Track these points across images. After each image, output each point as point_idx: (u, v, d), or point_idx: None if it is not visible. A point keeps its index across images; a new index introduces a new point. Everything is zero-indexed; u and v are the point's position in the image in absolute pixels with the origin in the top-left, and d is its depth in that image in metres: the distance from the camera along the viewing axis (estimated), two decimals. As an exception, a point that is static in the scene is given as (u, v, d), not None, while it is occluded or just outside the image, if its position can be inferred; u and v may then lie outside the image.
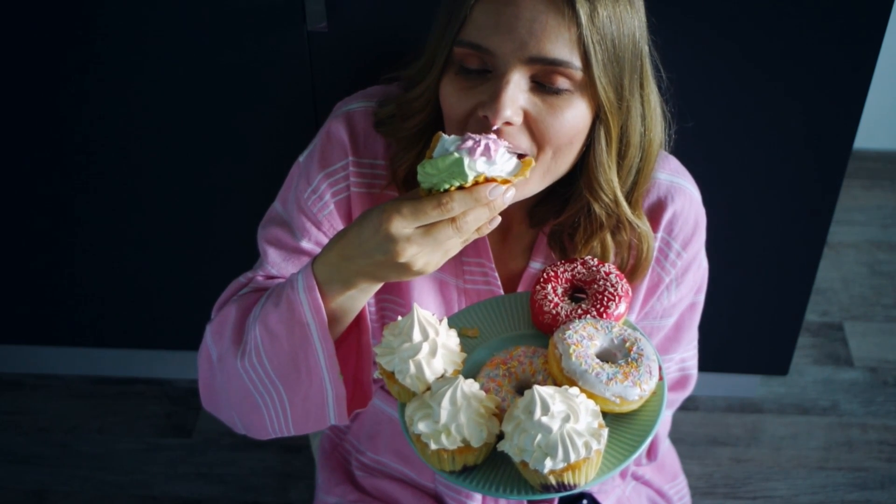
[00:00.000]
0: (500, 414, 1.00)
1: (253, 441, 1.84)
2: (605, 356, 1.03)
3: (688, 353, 1.39)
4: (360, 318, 1.13)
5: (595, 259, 1.14)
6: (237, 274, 1.26)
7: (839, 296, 2.44)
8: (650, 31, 1.10)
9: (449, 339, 1.02)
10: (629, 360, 1.01)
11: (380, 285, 1.06)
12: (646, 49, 1.09)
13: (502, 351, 1.09)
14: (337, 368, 1.08)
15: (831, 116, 1.60)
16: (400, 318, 1.03)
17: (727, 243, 1.75)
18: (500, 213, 1.00)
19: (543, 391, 0.93)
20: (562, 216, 1.16)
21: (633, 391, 0.98)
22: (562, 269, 1.13)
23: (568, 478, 0.92)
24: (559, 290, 1.12)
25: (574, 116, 1.04)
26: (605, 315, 1.08)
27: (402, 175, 1.17)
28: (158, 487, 2.01)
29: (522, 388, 1.04)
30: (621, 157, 1.12)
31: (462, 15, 1.02)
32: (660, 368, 1.02)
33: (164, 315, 1.99)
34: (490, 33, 1.01)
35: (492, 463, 1.00)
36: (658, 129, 1.14)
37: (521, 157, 1.01)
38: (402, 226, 0.95)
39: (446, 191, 0.95)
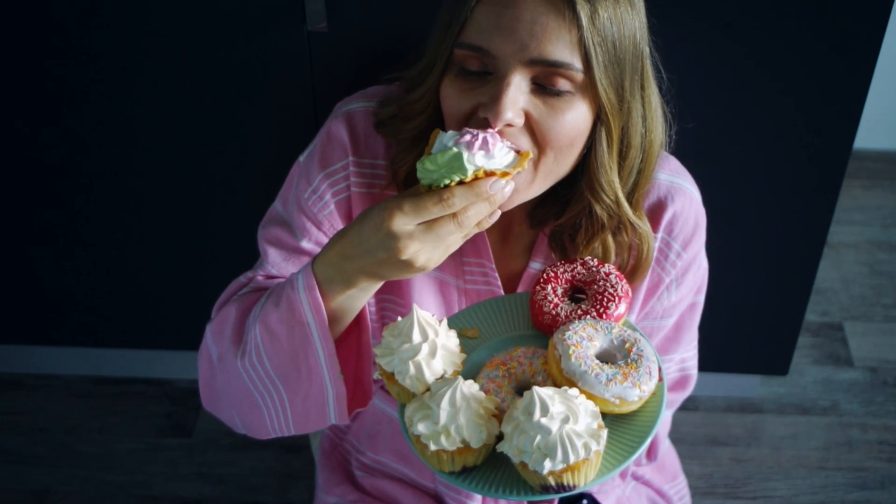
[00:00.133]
0: (499, 415, 1.00)
1: (253, 441, 1.84)
2: (605, 357, 1.03)
3: (688, 353, 1.39)
4: (360, 317, 1.13)
5: (595, 259, 1.14)
6: (237, 274, 1.26)
7: (839, 296, 2.44)
8: (651, 32, 1.10)
9: (448, 340, 1.02)
10: (629, 360, 1.01)
11: (380, 284, 1.06)
12: (646, 50, 1.09)
13: (502, 352, 1.09)
14: (337, 368, 1.08)
15: (831, 116, 1.60)
16: (399, 318, 1.03)
17: (727, 243, 1.75)
18: (501, 214, 1.00)
19: (543, 392, 0.93)
20: (563, 217, 1.16)
21: (632, 392, 0.98)
22: (562, 270, 1.13)
23: (567, 479, 0.92)
24: (559, 291, 1.12)
25: (575, 118, 1.04)
26: (604, 316, 1.07)
27: (403, 176, 1.17)
28: (158, 487, 2.01)
29: (522, 388, 1.04)
30: (622, 158, 1.12)
31: (463, 17, 1.02)
32: (659, 369, 1.02)
33: (164, 315, 1.99)
34: (491, 35, 1.00)
35: (491, 464, 1.00)
36: (659, 129, 1.14)
37: (518, 152, 1.01)
38: (403, 222, 0.95)
39: (447, 186, 0.95)
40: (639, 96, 1.09)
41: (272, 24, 1.54)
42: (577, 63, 1.01)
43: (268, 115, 1.66)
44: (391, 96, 1.21)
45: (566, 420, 0.92)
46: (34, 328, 2.06)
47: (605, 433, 0.94)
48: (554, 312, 1.09)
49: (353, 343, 1.15)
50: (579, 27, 0.99)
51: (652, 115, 1.12)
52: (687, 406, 2.15)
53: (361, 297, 1.08)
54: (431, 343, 1.00)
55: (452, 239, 0.98)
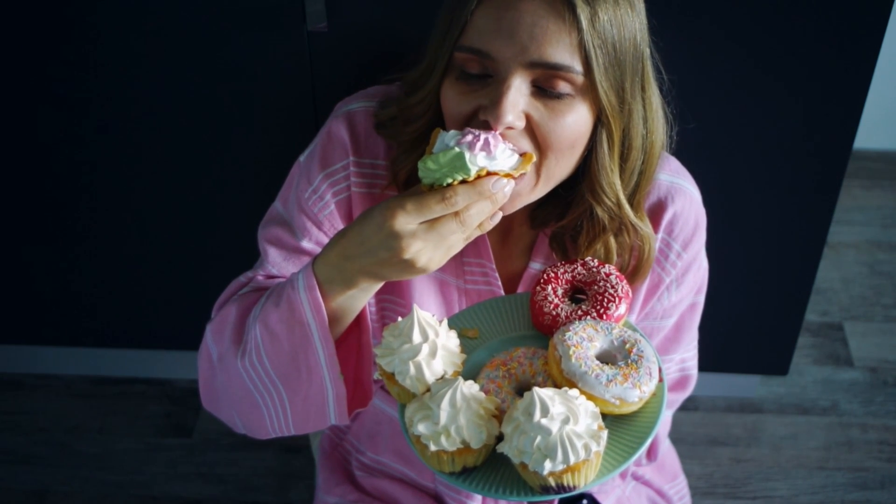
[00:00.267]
0: (499, 415, 1.00)
1: (253, 441, 1.84)
2: (605, 358, 1.03)
3: (688, 353, 1.39)
4: (360, 317, 1.13)
5: (595, 260, 1.14)
6: (237, 274, 1.26)
7: (839, 296, 2.44)
8: (651, 33, 1.10)
9: (449, 341, 1.02)
10: (629, 361, 1.01)
11: (381, 284, 1.06)
12: (647, 51, 1.09)
13: (502, 352, 1.09)
14: (337, 368, 1.08)
15: (831, 116, 1.60)
16: (400, 319, 1.03)
17: (727, 243, 1.75)
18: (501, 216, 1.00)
19: (543, 393, 0.93)
20: (564, 219, 1.16)
21: (632, 393, 0.98)
22: (562, 271, 1.13)
23: (567, 479, 0.92)
24: (559, 292, 1.12)
25: (575, 120, 1.03)
26: (605, 316, 1.07)
27: (403, 178, 1.17)
28: (158, 487, 2.02)
29: (522, 389, 1.04)
30: (623, 159, 1.11)
31: (462, 20, 1.02)
32: (660, 370, 1.02)
33: (164, 315, 1.99)
34: (491, 38, 1.00)
35: (491, 464, 1.00)
36: (660, 130, 1.14)
37: (521, 154, 1.01)
38: (405, 221, 0.95)
39: (449, 185, 0.95)
40: (639, 98, 1.09)
41: (272, 24, 1.54)
42: (578, 65, 1.01)
43: (268, 115, 1.66)
44: (391, 97, 1.21)
45: (566, 421, 0.92)
46: (34, 328, 2.06)
47: (605, 434, 0.94)
48: (554, 313, 1.09)
49: (353, 343, 1.15)
50: (579, 30, 0.99)
51: (653, 117, 1.12)
52: (687, 406, 2.15)
53: (362, 298, 1.08)
54: (432, 343, 1.00)
55: (454, 239, 0.98)
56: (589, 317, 1.08)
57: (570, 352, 1.00)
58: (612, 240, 1.17)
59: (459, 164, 0.95)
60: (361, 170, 1.21)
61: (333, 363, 1.08)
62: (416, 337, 1.00)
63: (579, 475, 0.92)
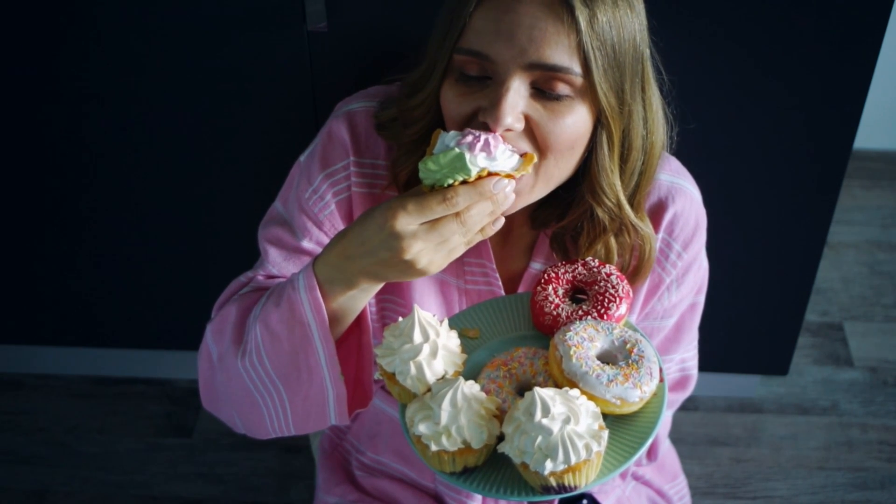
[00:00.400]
0: (500, 415, 1.00)
1: (253, 441, 1.84)
2: (606, 358, 1.03)
3: (688, 353, 1.39)
4: (360, 317, 1.13)
5: (596, 260, 1.14)
6: (237, 274, 1.26)
7: (839, 296, 2.44)
8: (651, 34, 1.10)
9: (449, 341, 1.02)
10: (630, 361, 1.01)
11: (381, 285, 1.06)
12: (647, 52, 1.09)
13: (503, 352, 1.09)
14: (338, 368, 1.08)
15: (831, 116, 1.60)
16: (401, 319, 1.03)
17: (727, 243, 1.75)
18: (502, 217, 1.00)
19: (544, 393, 0.93)
20: (564, 220, 1.16)
21: (633, 393, 0.98)
22: (562, 271, 1.13)
23: (568, 479, 0.92)
24: (560, 292, 1.12)
25: (575, 122, 1.03)
26: (605, 316, 1.07)
27: (404, 180, 1.17)
28: (158, 487, 2.01)
29: (523, 389, 1.04)
30: (623, 160, 1.11)
31: (461, 22, 1.02)
32: (660, 370, 1.02)
33: (164, 315, 1.99)
34: (490, 40, 1.00)
35: (492, 464, 1.00)
36: (660, 131, 1.14)
37: (522, 154, 1.01)
38: (406, 222, 0.95)
39: (450, 186, 0.95)
40: (639, 99, 1.09)
41: (272, 24, 1.54)
42: (577, 67, 1.01)
43: (268, 115, 1.66)
44: (392, 97, 1.21)
45: (567, 421, 0.92)
46: (34, 328, 2.06)
47: (606, 434, 0.94)
48: (555, 313, 1.09)
49: (353, 343, 1.15)
50: (578, 31, 0.99)
51: (653, 118, 1.12)
52: (687, 406, 2.15)
53: (362, 298, 1.08)
54: (432, 343, 1.00)
55: (455, 241, 0.98)
56: (590, 317, 1.08)
57: (571, 352, 1.00)
58: (612, 240, 1.17)
59: (460, 164, 0.95)
60: (362, 170, 1.21)
61: (334, 363, 1.08)
62: (417, 337, 1.00)
63: (580, 475, 0.92)
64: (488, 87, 1.03)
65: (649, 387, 1.00)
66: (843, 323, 2.37)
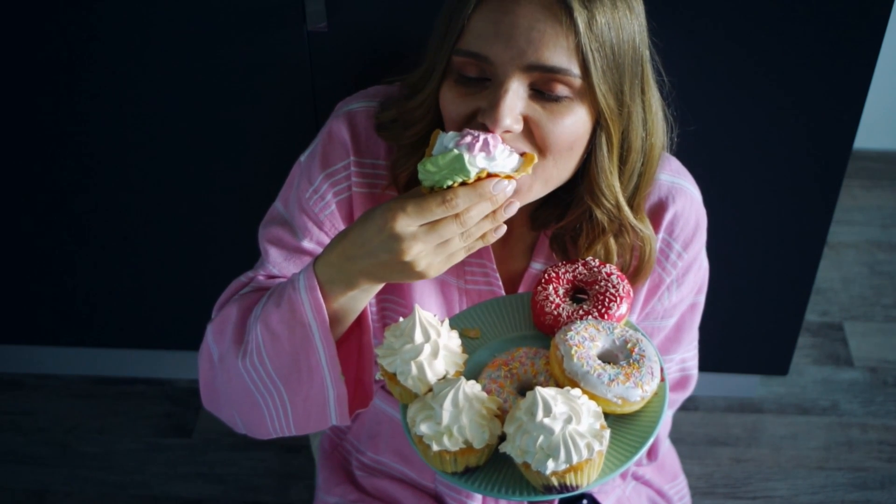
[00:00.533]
0: (501, 415, 1.00)
1: (253, 441, 1.84)
2: (607, 357, 1.03)
3: (688, 353, 1.39)
4: (361, 317, 1.13)
5: (596, 260, 1.14)
6: (237, 274, 1.26)
7: (839, 296, 2.44)
8: (651, 35, 1.10)
9: (450, 341, 1.02)
10: (631, 361, 1.01)
11: (382, 285, 1.06)
12: (646, 54, 1.09)
13: (504, 352, 1.09)
14: (338, 369, 1.08)
15: (831, 116, 1.60)
16: (401, 319, 1.03)
17: (727, 243, 1.75)
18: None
19: (545, 392, 0.93)
20: (563, 221, 1.16)
21: (634, 392, 0.98)
22: (563, 270, 1.13)
23: (570, 479, 0.92)
24: (560, 291, 1.12)
25: (574, 123, 1.03)
26: (606, 316, 1.08)
27: (404, 181, 1.17)
28: (158, 487, 2.01)
29: (524, 389, 1.04)
30: (623, 162, 1.11)
31: (460, 24, 1.02)
32: (661, 369, 1.02)
33: (164, 315, 1.99)
34: (488, 42, 1.00)
35: (494, 464, 1.00)
36: (660, 133, 1.14)
37: (522, 154, 1.01)
38: (406, 223, 0.95)
39: (449, 187, 0.95)
40: (639, 100, 1.09)
41: (272, 24, 1.54)
42: (575, 69, 1.01)
43: (268, 115, 1.66)
44: (392, 98, 1.21)
45: (569, 420, 0.92)
46: (34, 328, 2.06)
47: (607, 433, 0.94)
48: (556, 313, 1.09)
49: (354, 343, 1.15)
50: (576, 33, 0.99)
51: (652, 119, 1.12)
52: (687, 406, 2.15)
53: (363, 298, 1.08)
54: (434, 343, 1.00)
55: (455, 245, 0.98)
56: (590, 316, 1.08)
57: (572, 351, 1.00)
58: (611, 241, 1.17)
59: (459, 166, 0.95)
60: (362, 170, 1.21)
61: (334, 364, 1.08)
62: (418, 337, 1.00)
63: (582, 474, 0.92)
64: (487, 88, 1.03)
65: (650, 386, 1.00)
66: (843, 323, 2.37)
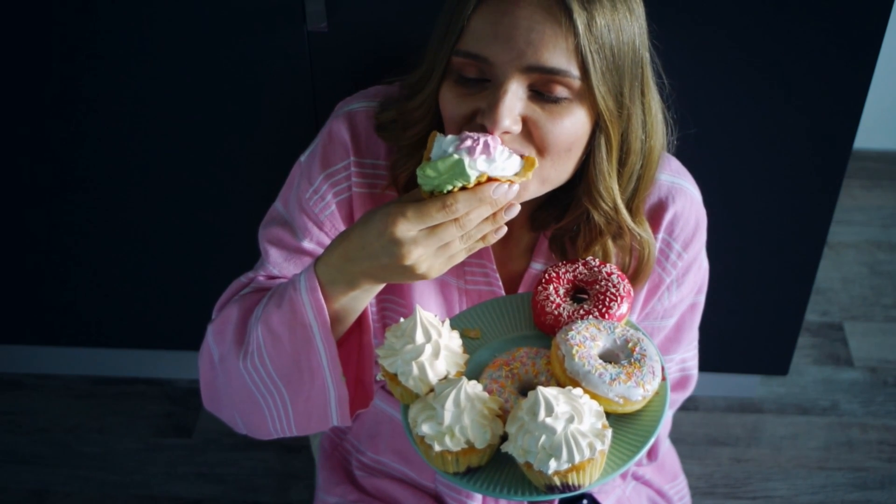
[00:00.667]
0: (503, 415, 1.00)
1: (253, 441, 1.84)
2: (608, 357, 1.03)
3: (688, 353, 1.39)
4: (361, 317, 1.13)
5: (596, 259, 1.14)
6: (237, 274, 1.25)
7: (839, 296, 2.44)
8: (651, 37, 1.10)
9: (451, 341, 1.02)
10: (632, 360, 1.01)
11: (383, 285, 1.07)
12: (646, 56, 1.09)
13: (505, 352, 1.09)
14: (339, 370, 1.08)
15: (831, 116, 1.60)
16: (402, 319, 1.03)
17: (727, 243, 1.75)
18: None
19: (547, 392, 0.93)
20: (562, 221, 1.16)
21: (636, 392, 0.98)
22: (563, 270, 1.13)
23: (572, 479, 0.92)
24: (561, 291, 1.12)
25: (573, 124, 1.03)
26: (607, 315, 1.07)
27: (403, 182, 1.17)
28: (158, 487, 2.01)
29: (525, 389, 1.04)
30: (622, 164, 1.11)
31: (459, 25, 1.02)
32: (662, 369, 1.02)
33: (164, 315, 1.99)
34: (488, 43, 1.00)
35: (495, 464, 1.00)
36: (659, 135, 1.14)
37: (522, 156, 1.01)
38: (406, 228, 0.95)
39: (449, 192, 0.95)
40: (639, 102, 1.09)
41: (272, 24, 1.54)
42: (575, 70, 1.01)
43: (268, 115, 1.66)
44: (392, 98, 1.21)
45: (571, 420, 0.92)
46: (34, 328, 2.06)
47: (609, 433, 0.94)
48: (556, 313, 1.09)
49: (354, 343, 1.15)
50: (576, 34, 0.99)
51: (652, 121, 1.12)
52: (687, 406, 2.15)
53: (364, 298, 1.08)
54: (435, 344, 1.00)
55: (455, 247, 0.98)
56: (591, 316, 1.08)
57: (574, 351, 1.00)
58: (609, 243, 1.17)
59: (459, 170, 0.95)
60: (362, 170, 1.21)
61: (335, 365, 1.08)
62: (419, 337, 1.00)
63: (584, 474, 0.92)
64: (487, 89, 1.03)
65: (652, 385, 1.00)
66: (843, 323, 2.37)
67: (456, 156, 0.95)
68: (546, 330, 1.10)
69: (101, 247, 1.88)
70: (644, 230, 1.17)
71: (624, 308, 1.09)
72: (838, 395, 2.20)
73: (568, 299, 1.12)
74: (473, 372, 1.09)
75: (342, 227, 1.22)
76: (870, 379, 2.24)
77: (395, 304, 1.27)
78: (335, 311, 1.07)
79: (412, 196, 0.99)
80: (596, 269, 1.12)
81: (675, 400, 1.43)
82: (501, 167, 0.97)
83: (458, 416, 0.96)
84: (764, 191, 1.71)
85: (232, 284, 1.24)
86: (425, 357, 0.99)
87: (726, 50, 1.53)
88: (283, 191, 1.28)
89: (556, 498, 0.96)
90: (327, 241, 1.21)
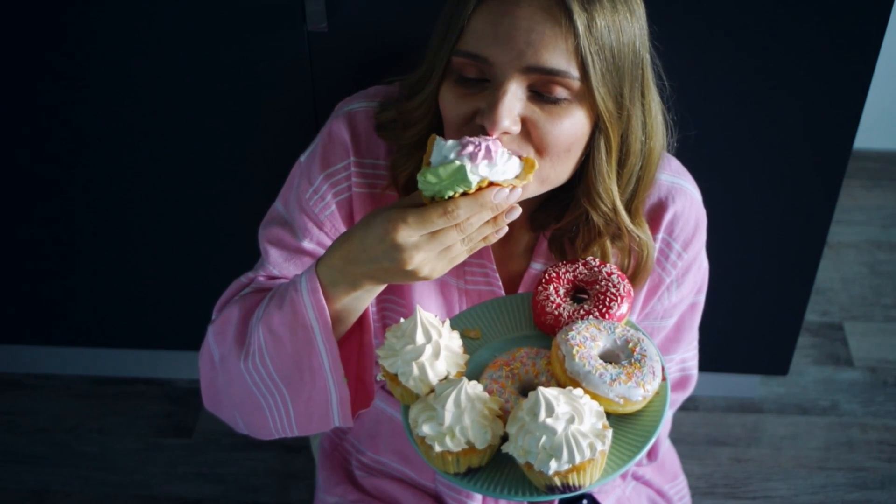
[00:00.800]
0: (503, 415, 1.00)
1: (253, 441, 1.84)
2: (609, 357, 1.03)
3: (688, 353, 1.39)
4: (362, 317, 1.13)
5: (596, 259, 1.14)
6: (237, 274, 1.25)
7: (839, 296, 2.44)
8: (651, 39, 1.10)
9: (452, 341, 1.02)
10: (632, 360, 1.01)
11: (385, 286, 1.07)
12: (647, 57, 1.09)
13: (505, 352, 1.09)
14: (341, 371, 1.08)
15: (831, 116, 1.60)
16: (402, 319, 1.03)
17: (727, 243, 1.75)
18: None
19: (548, 392, 0.93)
20: (561, 222, 1.16)
21: (636, 392, 0.98)
22: (563, 270, 1.13)
23: (573, 479, 0.92)
24: (561, 291, 1.11)
25: (572, 125, 1.03)
26: (607, 316, 1.07)
27: (403, 182, 1.17)
28: (158, 487, 2.01)
29: (526, 389, 1.04)
30: (621, 165, 1.11)
31: (460, 25, 1.02)
32: (663, 369, 1.02)
33: (164, 315, 1.99)
34: (488, 43, 1.00)
35: (496, 464, 1.00)
36: (659, 136, 1.14)
37: (522, 158, 1.01)
38: (407, 234, 0.95)
39: (450, 197, 0.95)
40: (639, 104, 1.09)
41: (272, 24, 1.54)
42: (574, 71, 1.01)
43: (268, 115, 1.66)
44: (392, 98, 1.21)
45: (571, 420, 0.92)
46: (34, 328, 2.06)
47: (610, 433, 0.94)
48: (556, 313, 1.09)
49: (354, 343, 1.14)
50: (576, 35, 0.99)
51: (652, 123, 1.12)
52: (687, 406, 2.15)
53: (366, 299, 1.08)
54: (435, 344, 1.00)
55: (456, 250, 0.98)
56: (591, 316, 1.08)
57: (574, 351, 1.00)
58: (608, 244, 1.17)
59: (460, 177, 0.95)
60: (362, 170, 1.21)
61: (337, 366, 1.08)
62: (420, 338, 1.00)
63: (584, 474, 0.92)
64: (486, 89, 1.03)
65: (652, 385, 1.00)
66: (843, 323, 2.37)
67: (458, 162, 0.95)
68: (546, 330, 1.10)
69: (100, 247, 1.88)
70: (643, 232, 1.17)
71: (624, 308, 1.09)
72: (838, 395, 2.20)
73: (568, 299, 1.12)
74: (474, 372, 1.09)
75: (342, 228, 1.22)
76: (870, 379, 2.24)
77: (395, 304, 1.27)
78: (336, 311, 1.07)
79: (412, 200, 0.99)
80: (596, 269, 1.12)
81: (675, 400, 1.43)
82: (502, 170, 0.97)
83: (459, 417, 0.96)
84: (764, 191, 1.71)
85: (232, 285, 1.24)
86: (425, 357, 0.99)
87: (726, 51, 1.53)
88: (283, 191, 1.28)
89: (557, 498, 0.96)
90: (327, 242, 1.21)
